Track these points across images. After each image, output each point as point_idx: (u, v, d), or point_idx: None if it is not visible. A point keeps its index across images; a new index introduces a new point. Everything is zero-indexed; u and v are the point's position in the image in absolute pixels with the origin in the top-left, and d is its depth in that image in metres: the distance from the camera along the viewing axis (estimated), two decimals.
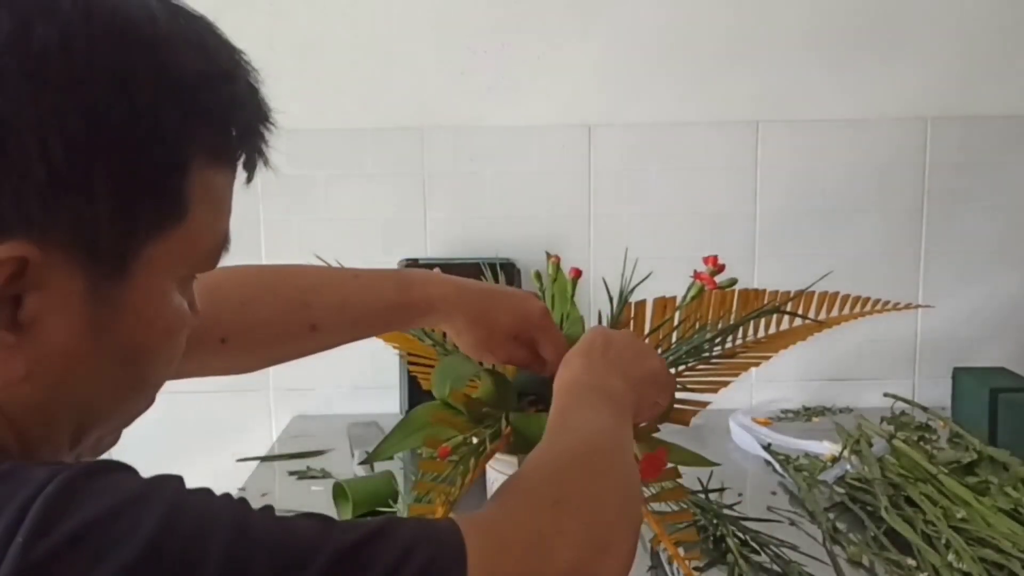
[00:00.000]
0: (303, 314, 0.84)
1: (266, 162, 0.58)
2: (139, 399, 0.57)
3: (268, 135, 0.57)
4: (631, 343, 0.82)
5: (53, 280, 0.48)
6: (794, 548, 1.08)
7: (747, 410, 1.56)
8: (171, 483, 0.48)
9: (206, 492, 0.49)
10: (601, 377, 0.75)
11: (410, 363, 1.10)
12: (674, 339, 1.07)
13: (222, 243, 0.57)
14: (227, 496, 0.49)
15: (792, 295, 1.07)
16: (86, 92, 0.48)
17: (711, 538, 1.09)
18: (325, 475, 1.35)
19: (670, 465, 0.90)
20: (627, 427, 0.71)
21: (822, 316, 1.08)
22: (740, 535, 1.09)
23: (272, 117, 0.58)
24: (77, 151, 0.47)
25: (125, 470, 0.50)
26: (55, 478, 0.45)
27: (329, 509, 1.23)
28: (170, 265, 0.53)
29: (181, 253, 0.53)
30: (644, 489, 0.89)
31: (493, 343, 0.89)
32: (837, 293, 1.10)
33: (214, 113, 0.53)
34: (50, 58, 0.47)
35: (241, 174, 0.57)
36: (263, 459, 1.45)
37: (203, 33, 0.54)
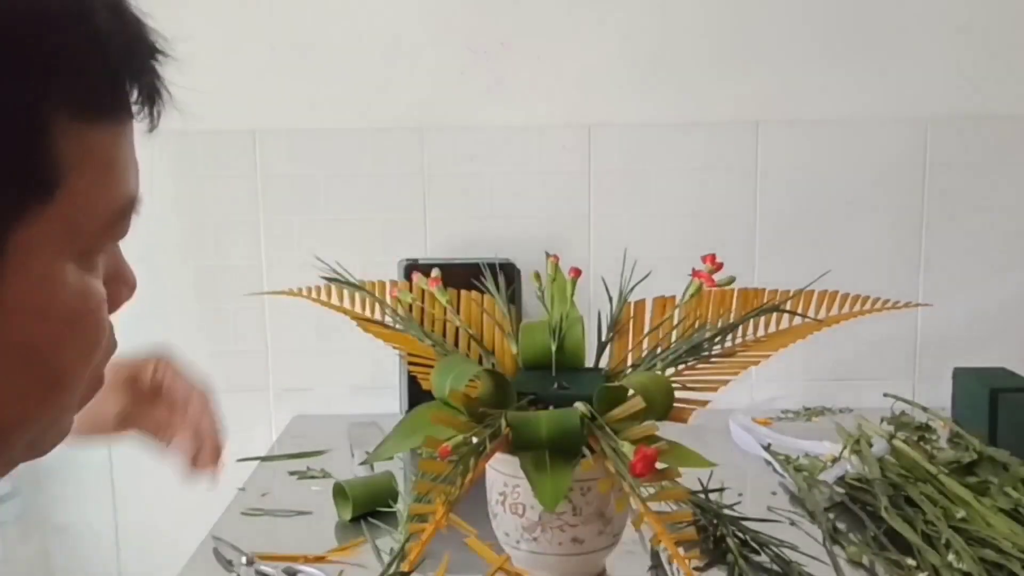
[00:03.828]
0: None
1: (161, 98, 0.50)
2: (63, 395, 0.50)
3: (155, 66, 0.49)
4: None
5: None
6: (794, 548, 1.08)
7: (747, 410, 1.56)
8: None
9: None
10: None
11: (410, 363, 1.10)
12: (673, 338, 1.07)
13: (127, 207, 0.50)
14: None
15: (792, 294, 1.07)
16: None
17: (711, 538, 1.09)
18: (325, 475, 1.35)
19: (669, 465, 0.90)
20: None
21: (822, 315, 1.08)
22: (740, 535, 1.09)
23: (159, 44, 0.50)
24: None
25: None
26: None
27: (329, 509, 1.23)
28: (54, 246, 0.46)
29: (65, 230, 0.46)
30: (643, 489, 0.89)
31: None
32: (837, 292, 1.10)
33: (66, 58, 0.44)
34: None
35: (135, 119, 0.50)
36: (263, 459, 1.45)
37: None
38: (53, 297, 0.47)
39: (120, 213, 0.49)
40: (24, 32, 0.42)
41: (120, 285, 0.53)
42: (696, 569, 1.03)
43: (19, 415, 0.48)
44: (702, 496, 1.17)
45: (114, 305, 0.53)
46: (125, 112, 0.48)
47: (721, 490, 1.20)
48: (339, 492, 1.23)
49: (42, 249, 0.45)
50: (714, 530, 1.09)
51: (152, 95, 0.49)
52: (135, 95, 0.48)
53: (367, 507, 1.20)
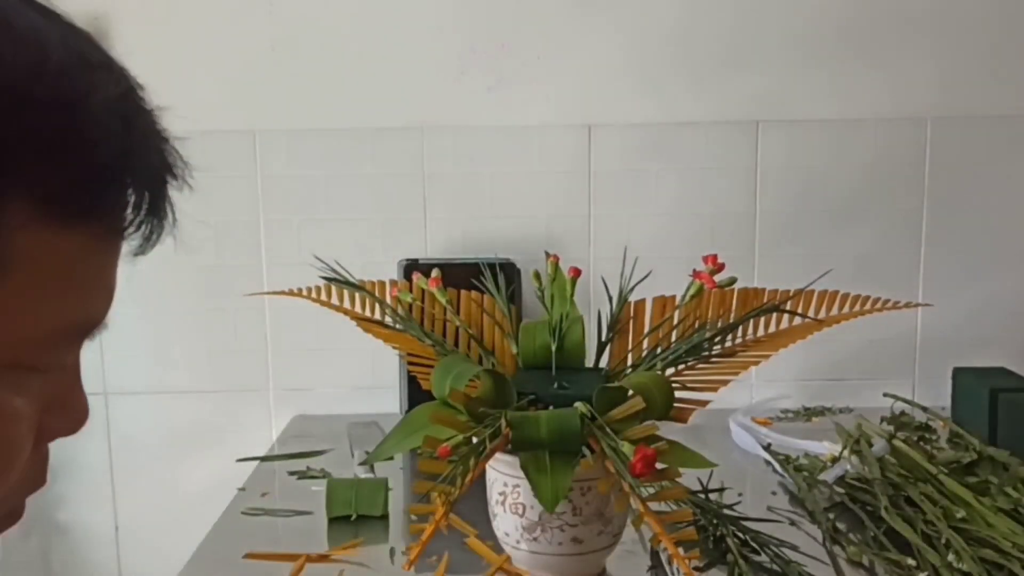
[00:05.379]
0: None
1: (161, 221, 0.44)
2: None
3: (160, 183, 0.44)
4: None
5: None
6: (794, 548, 1.08)
7: (747, 410, 1.56)
8: None
9: None
10: None
11: (410, 363, 1.10)
12: (673, 338, 1.07)
13: (80, 330, 0.43)
14: None
15: (792, 294, 1.07)
16: None
17: (711, 538, 1.09)
18: (325, 475, 1.35)
19: (669, 466, 0.90)
20: None
21: (822, 315, 1.08)
22: (740, 535, 1.09)
23: (172, 163, 0.44)
24: None
25: None
26: None
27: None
28: None
29: None
30: (643, 488, 0.89)
31: None
32: (837, 292, 1.10)
33: (41, 147, 0.38)
34: None
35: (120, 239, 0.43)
36: (263, 459, 1.45)
37: (46, 48, 0.39)
38: None
39: (67, 334, 0.43)
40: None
41: (65, 416, 0.46)
42: (696, 569, 1.03)
43: None
44: (702, 496, 1.17)
45: (50, 436, 0.46)
46: (106, 225, 0.42)
47: (721, 490, 1.20)
48: (330, 491, 1.22)
49: None
50: (714, 530, 1.09)
51: (149, 214, 0.43)
52: (128, 210, 0.42)
53: (348, 510, 1.19)
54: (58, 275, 0.40)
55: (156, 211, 0.44)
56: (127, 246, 0.44)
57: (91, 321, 0.44)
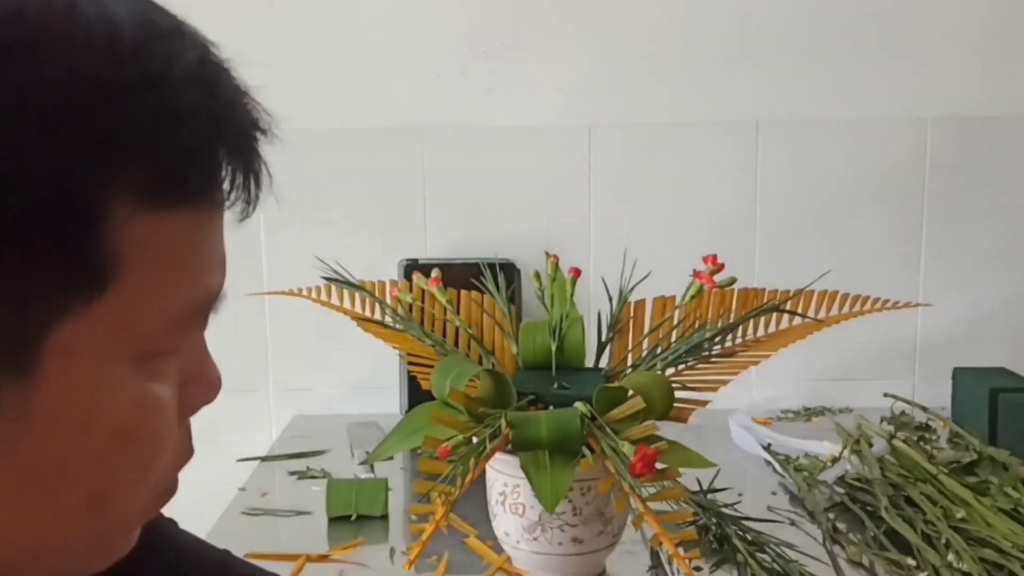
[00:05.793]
0: None
1: (258, 182, 0.44)
2: (107, 516, 0.42)
3: (251, 145, 0.43)
4: None
5: None
6: (794, 548, 1.08)
7: (747, 410, 1.56)
8: None
9: None
10: None
11: (410, 363, 1.10)
12: (673, 338, 1.07)
13: (201, 305, 0.44)
14: None
15: (792, 294, 1.07)
16: None
17: (712, 537, 1.09)
18: (325, 475, 1.35)
19: (669, 466, 0.90)
20: None
21: (822, 315, 1.08)
22: (742, 534, 1.09)
23: (259, 120, 0.43)
24: None
25: None
26: None
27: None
28: (102, 349, 0.39)
29: (118, 331, 0.39)
30: (643, 488, 0.89)
31: None
32: (837, 292, 1.10)
33: (133, 135, 0.37)
34: None
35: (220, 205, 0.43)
36: (263, 459, 1.45)
37: (115, 24, 0.37)
38: (98, 406, 0.39)
39: (191, 312, 0.43)
40: (81, 104, 0.36)
41: (201, 387, 0.47)
42: (696, 569, 1.03)
43: (57, 538, 0.41)
44: (703, 496, 1.17)
45: (190, 410, 0.47)
46: (207, 198, 0.42)
47: (723, 490, 1.20)
48: (330, 491, 1.22)
49: (87, 352, 0.38)
50: (717, 530, 1.09)
51: (246, 179, 0.43)
52: (225, 178, 0.42)
53: (348, 510, 1.19)
54: (171, 260, 0.40)
55: (251, 173, 0.43)
56: (230, 214, 0.44)
57: (211, 295, 0.44)
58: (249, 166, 0.43)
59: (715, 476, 1.19)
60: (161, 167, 0.38)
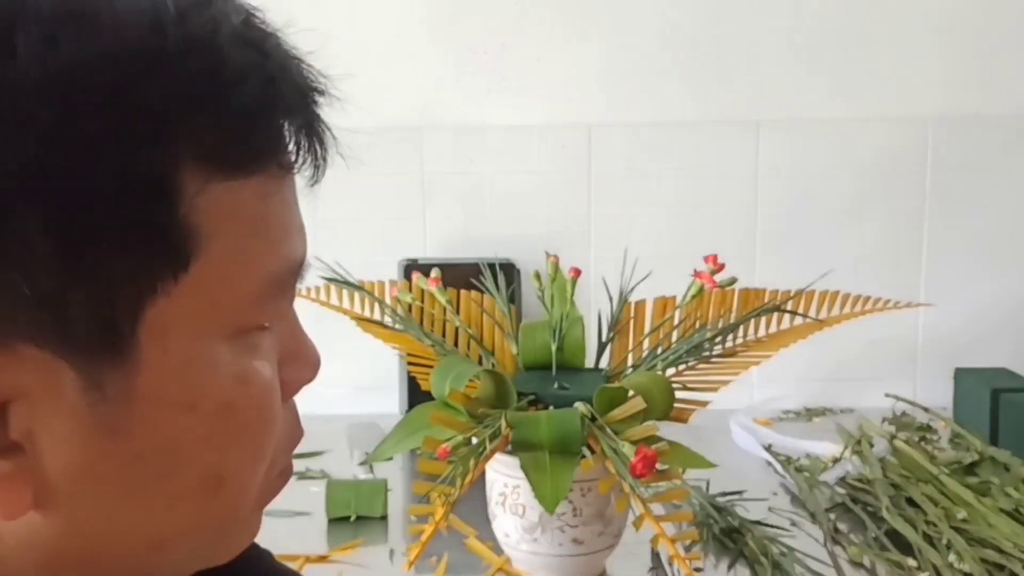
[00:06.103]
0: None
1: (322, 143, 0.44)
2: (226, 500, 0.42)
3: (309, 106, 0.43)
4: None
5: (30, 379, 0.36)
6: (795, 549, 1.08)
7: (748, 410, 1.56)
8: None
9: None
10: None
11: (410, 363, 1.10)
12: (674, 338, 1.07)
13: (287, 274, 0.43)
14: None
15: (792, 294, 1.07)
16: None
17: (713, 538, 1.08)
18: (325, 476, 1.35)
19: (670, 466, 0.89)
20: None
21: (822, 315, 1.08)
22: (744, 533, 1.09)
23: (313, 80, 0.44)
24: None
25: None
26: None
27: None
28: (195, 326, 0.39)
29: (207, 306, 0.39)
30: (644, 489, 0.88)
31: None
32: (837, 292, 1.10)
33: (190, 105, 0.37)
34: None
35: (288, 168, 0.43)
36: None
37: None
38: (200, 385, 0.39)
39: (278, 282, 0.42)
40: (133, 78, 0.35)
41: (299, 365, 0.46)
42: (696, 570, 1.02)
43: (178, 526, 0.41)
44: (704, 496, 1.16)
45: (292, 389, 0.46)
46: (274, 161, 0.41)
47: (727, 494, 1.20)
48: (329, 491, 1.22)
49: (181, 330, 0.38)
50: (718, 531, 1.09)
51: (310, 140, 0.43)
52: (289, 140, 0.42)
53: (348, 511, 1.19)
54: (250, 229, 0.40)
55: (314, 134, 0.43)
56: (301, 180, 0.44)
57: (294, 264, 0.43)
58: (310, 127, 0.43)
59: (720, 477, 1.19)
60: (221, 132, 0.38)
